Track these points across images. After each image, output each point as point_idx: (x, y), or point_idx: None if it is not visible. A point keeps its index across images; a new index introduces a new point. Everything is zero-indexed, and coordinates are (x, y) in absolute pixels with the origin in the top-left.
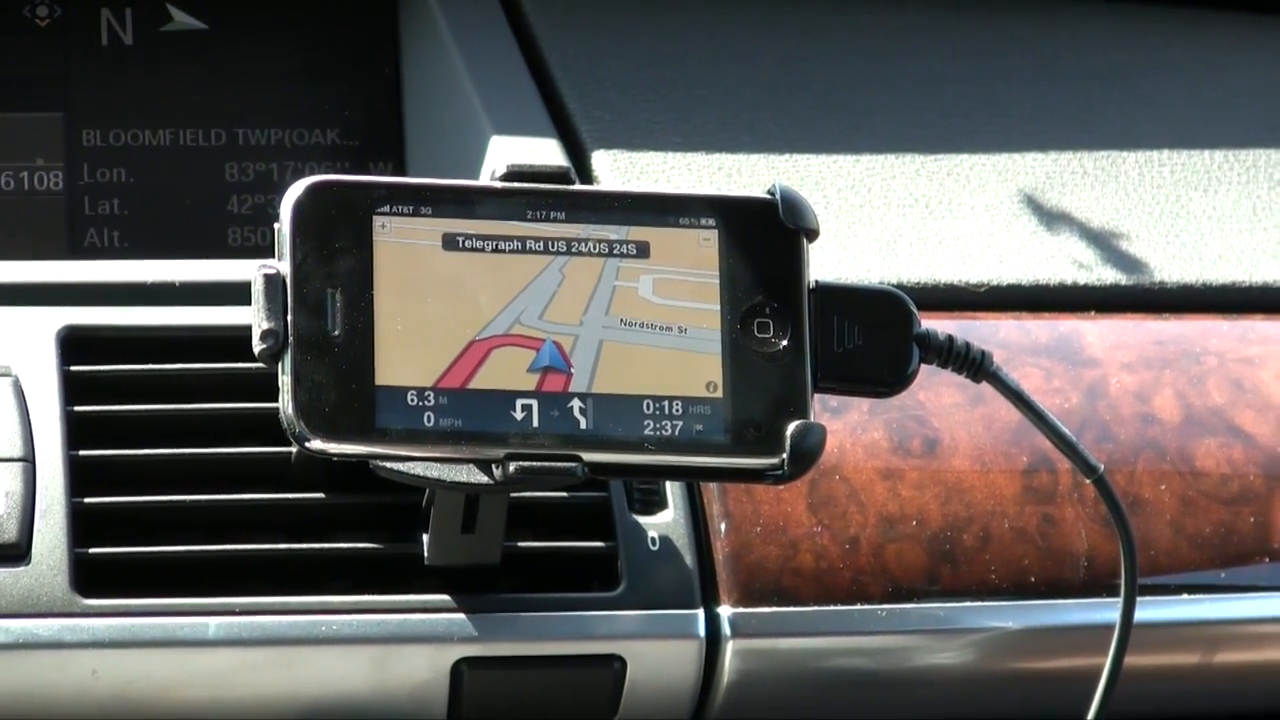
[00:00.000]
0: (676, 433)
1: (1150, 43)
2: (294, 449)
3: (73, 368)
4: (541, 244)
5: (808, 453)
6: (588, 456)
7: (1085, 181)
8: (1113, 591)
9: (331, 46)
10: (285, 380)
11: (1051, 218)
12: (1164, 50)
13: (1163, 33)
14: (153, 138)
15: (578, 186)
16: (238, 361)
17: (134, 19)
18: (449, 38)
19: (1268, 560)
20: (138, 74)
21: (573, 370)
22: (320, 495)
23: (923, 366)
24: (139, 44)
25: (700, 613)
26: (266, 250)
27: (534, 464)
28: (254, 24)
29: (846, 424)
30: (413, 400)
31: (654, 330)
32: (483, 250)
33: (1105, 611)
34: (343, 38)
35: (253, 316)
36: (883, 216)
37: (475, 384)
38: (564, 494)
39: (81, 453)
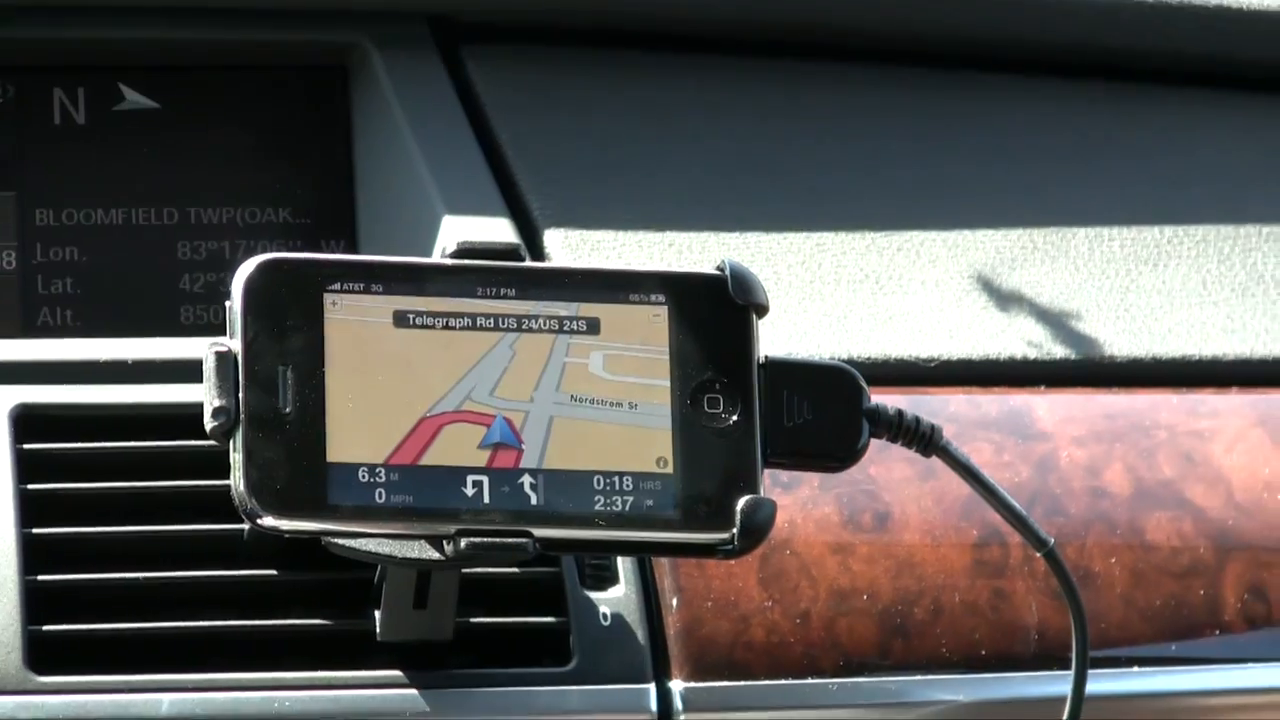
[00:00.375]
0: (627, 508)
1: (1103, 118)
2: (246, 526)
3: (25, 446)
4: (492, 320)
5: (758, 528)
6: (539, 532)
7: (1036, 257)
8: (1064, 664)
9: (283, 125)
10: (237, 458)
11: (1002, 293)
12: (1116, 126)
13: (1115, 109)
14: (105, 217)
15: (528, 264)
16: (190, 439)
17: (86, 98)
18: (400, 116)
19: (1218, 633)
20: (90, 153)
21: (524, 446)
22: (273, 572)
23: (873, 441)
24: (91, 123)
25: (652, 688)
26: (219, 328)
27: (485, 540)
28: (206, 103)
29: (797, 499)
30: (364, 477)
31: (604, 406)
32: (433, 327)
33: (1057, 684)
34: (295, 116)
35: (204, 394)
36: (833, 292)
37: (426, 460)
38: (515, 570)
39: (34, 531)
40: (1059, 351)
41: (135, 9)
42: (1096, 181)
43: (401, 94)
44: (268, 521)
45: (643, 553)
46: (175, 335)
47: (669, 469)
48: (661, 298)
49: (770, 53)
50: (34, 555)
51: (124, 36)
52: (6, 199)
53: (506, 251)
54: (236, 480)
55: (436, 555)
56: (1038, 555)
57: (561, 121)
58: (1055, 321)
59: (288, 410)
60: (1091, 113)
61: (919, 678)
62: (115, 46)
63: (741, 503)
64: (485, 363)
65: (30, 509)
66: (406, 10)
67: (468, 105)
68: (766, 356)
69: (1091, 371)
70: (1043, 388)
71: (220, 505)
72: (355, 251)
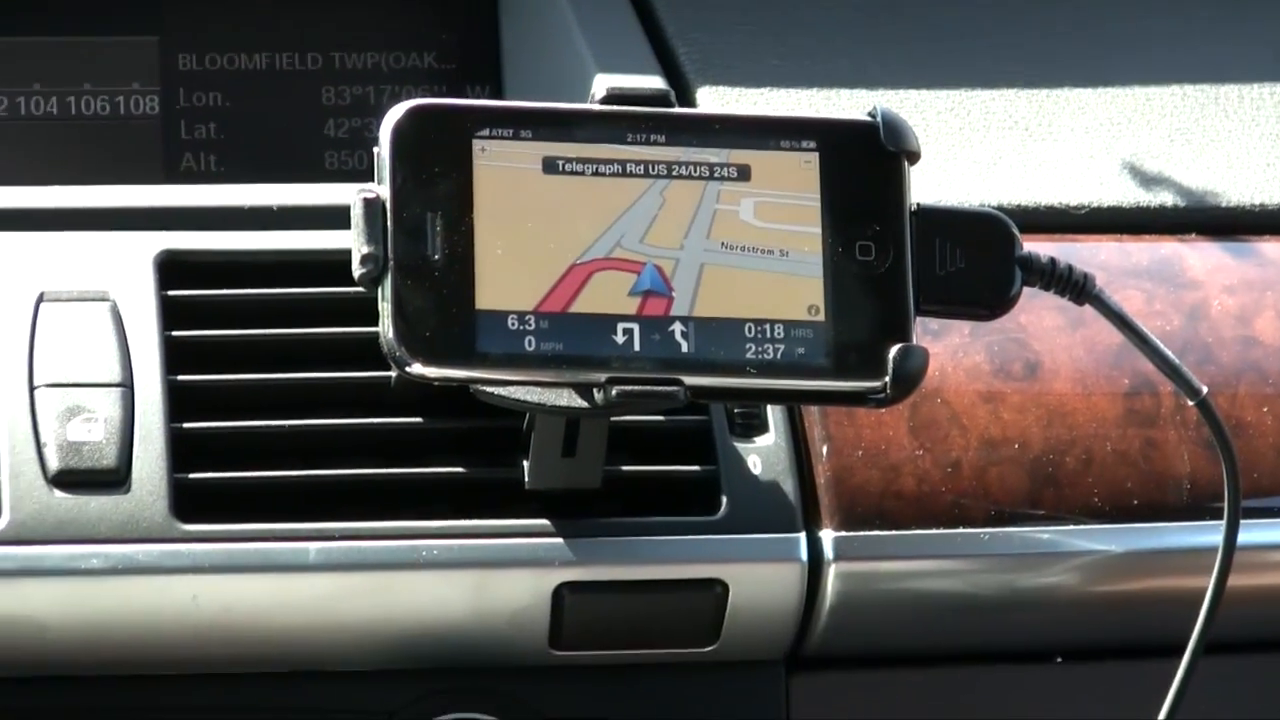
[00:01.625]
0: (778, 356)
1: None
2: (394, 373)
3: (170, 293)
4: (641, 167)
5: (910, 376)
6: (689, 380)
7: (1184, 103)
8: (1216, 515)
9: None
10: (385, 305)
11: (1152, 140)
12: None
13: None
14: (249, 61)
15: (677, 109)
16: (336, 285)
17: None
18: None
19: None
20: None
21: (674, 294)
22: (420, 419)
23: (1024, 289)
24: None
25: (802, 536)
26: (364, 175)
27: (635, 388)
28: None
29: (947, 347)
30: (513, 324)
31: (755, 254)
32: (583, 174)
33: (1208, 534)
34: None
35: (352, 241)
36: (982, 138)
37: (576, 308)
38: (664, 418)
39: (180, 378)
40: (1208, 198)
41: None
42: (1244, 28)
43: None
44: (416, 369)
45: (793, 401)
46: (320, 181)
47: (820, 316)
48: (812, 144)
49: None
50: (180, 402)
51: None
52: (149, 43)
53: (656, 97)
54: (385, 327)
55: (586, 403)
56: (1189, 404)
57: None
58: (1205, 169)
59: (436, 257)
60: None
61: (1070, 527)
62: None
63: (893, 351)
64: (635, 210)
65: (176, 356)
66: None
67: None
68: (918, 204)
69: (1241, 219)
70: (1193, 236)
71: (367, 352)
72: (501, 98)
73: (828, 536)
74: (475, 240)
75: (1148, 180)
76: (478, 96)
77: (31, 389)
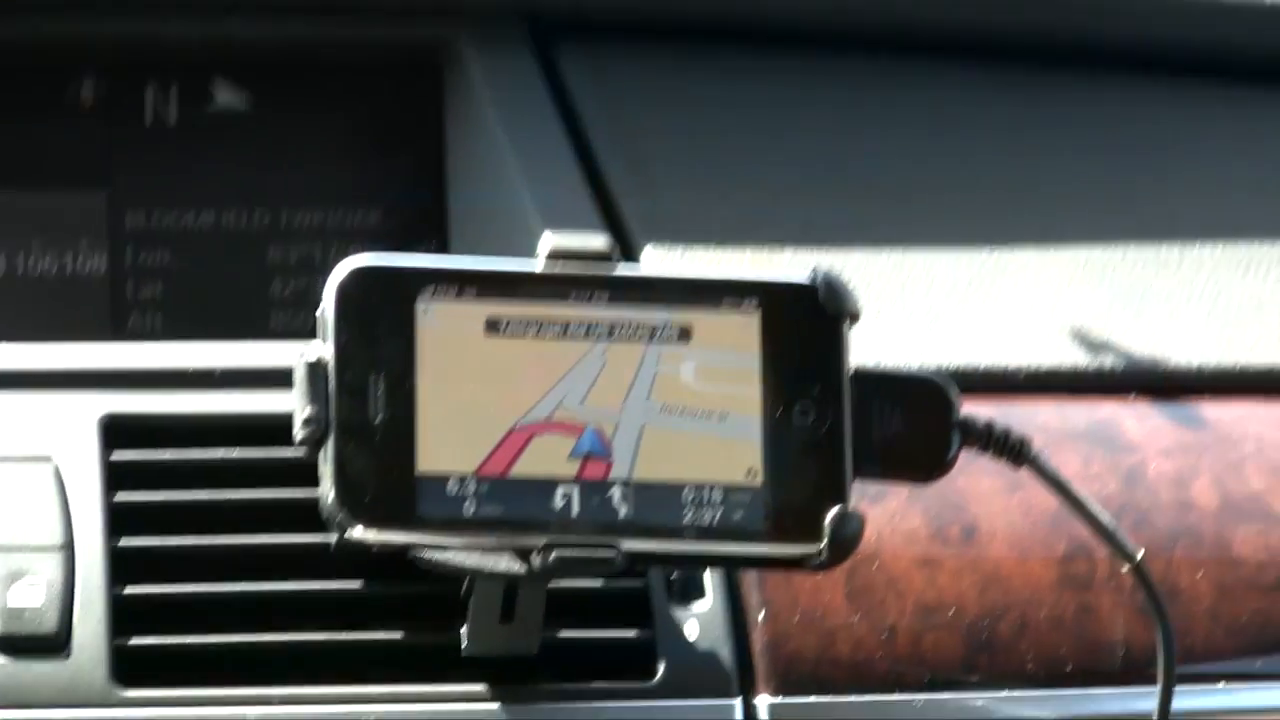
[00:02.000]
0: (716, 520)
1: (1192, 121)
2: (334, 537)
3: (114, 455)
4: (584, 328)
5: (847, 541)
6: (626, 545)
7: (1125, 263)
8: (1150, 680)
9: (375, 125)
10: (326, 468)
11: (1091, 301)
12: (1206, 129)
13: (1206, 110)
14: (196, 219)
15: (621, 270)
16: (279, 448)
17: (178, 97)
18: (493, 116)
19: None
20: (181, 154)
21: (613, 457)
22: (359, 584)
23: (962, 452)
24: (182, 123)
25: (738, 703)
26: (309, 333)
27: (573, 552)
28: (297, 103)
29: (885, 510)
30: (453, 489)
31: (694, 416)
32: (525, 335)
33: (1143, 700)
34: (387, 116)
35: (295, 403)
36: (923, 298)
37: (516, 471)
38: (601, 583)
39: (122, 542)
40: (1147, 360)
41: (228, 6)
42: (1186, 186)
43: (495, 93)
44: (356, 533)
45: (730, 566)
46: (265, 340)
47: (758, 480)
48: (754, 304)
49: (865, 50)
50: (121, 566)
51: (215, 34)
52: (98, 199)
53: (600, 254)
54: (325, 491)
55: (524, 567)
56: (1124, 569)
57: (654, 121)
58: (1144, 330)
59: (378, 420)
60: (1183, 114)
61: (1004, 694)
62: (206, 43)
63: (831, 515)
64: (576, 371)
65: (118, 518)
66: (499, 7)
67: (561, 104)
68: (857, 367)
69: (1180, 381)
70: (1132, 396)
71: (309, 515)
72: (447, 252)
73: (763, 703)
74: (417, 402)
75: (1087, 342)
76: (424, 251)
77: None
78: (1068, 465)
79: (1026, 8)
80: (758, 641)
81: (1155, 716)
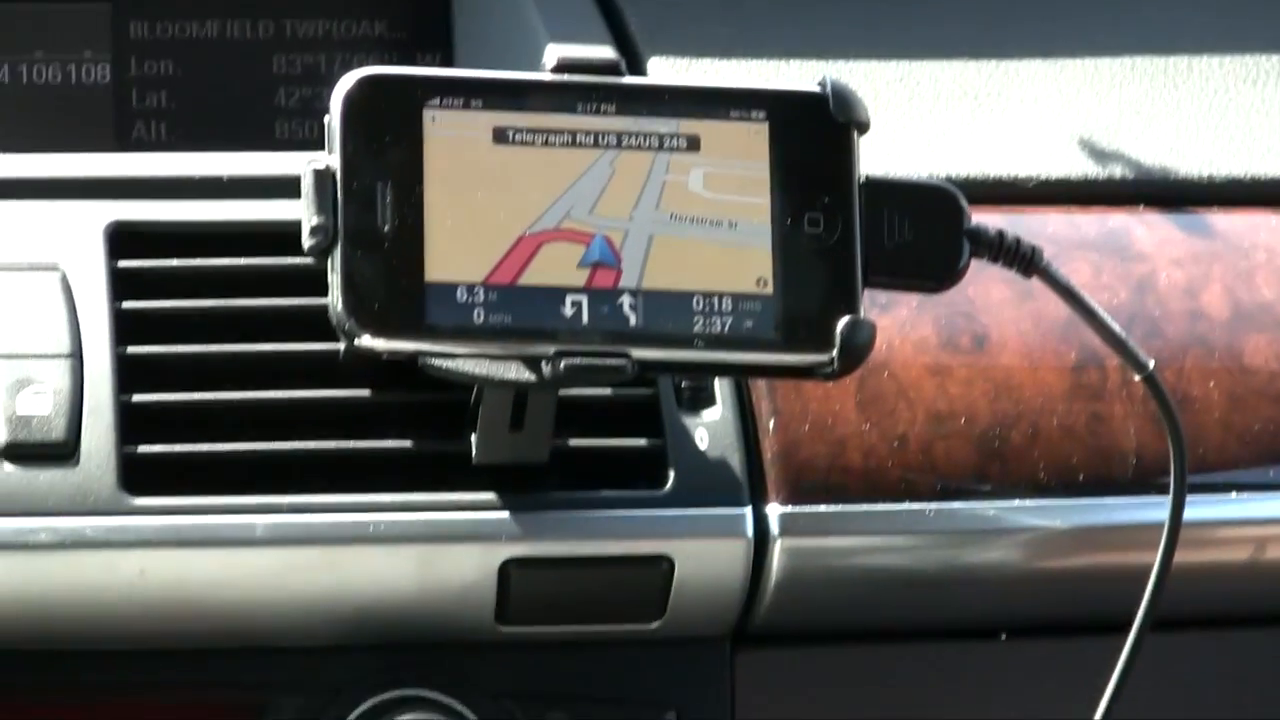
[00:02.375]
0: (726, 329)
1: None
2: (342, 345)
3: (120, 263)
4: (591, 137)
5: (858, 348)
6: (637, 353)
7: (1133, 75)
8: (1162, 489)
9: None
10: (334, 276)
11: (1100, 112)
12: None
13: None
14: (200, 29)
15: (628, 79)
16: (287, 257)
17: None
18: None
19: None
20: None
21: (622, 265)
22: (368, 392)
23: (972, 262)
24: None
25: (748, 511)
26: (315, 143)
27: (583, 360)
28: None
29: (895, 320)
30: (462, 296)
31: (704, 225)
32: (533, 144)
33: (1155, 509)
34: None
35: (302, 211)
36: (931, 109)
37: (525, 280)
38: (611, 392)
39: (129, 349)
40: (1157, 170)
41: None
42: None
43: None
44: (365, 341)
45: (741, 374)
46: (271, 150)
47: (768, 289)
48: (762, 114)
49: None
50: (129, 374)
51: None
52: (101, 10)
53: (606, 66)
54: (334, 299)
55: (534, 376)
56: (1136, 378)
57: None
58: (1153, 140)
59: (386, 228)
60: None
61: (1015, 503)
62: None
63: (841, 323)
64: (584, 180)
65: (125, 327)
66: None
67: None
68: (867, 175)
69: (1189, 191)
70: (1141, 207)
71: (316, 324)
72: (451, 66)
73: (774, 511)
74: (425, 210)
75: (1097, 152)
76: (429, 65)
77: None
78: (1078, 275)
79: None
80: (768, 450)
81: (1167, 525)
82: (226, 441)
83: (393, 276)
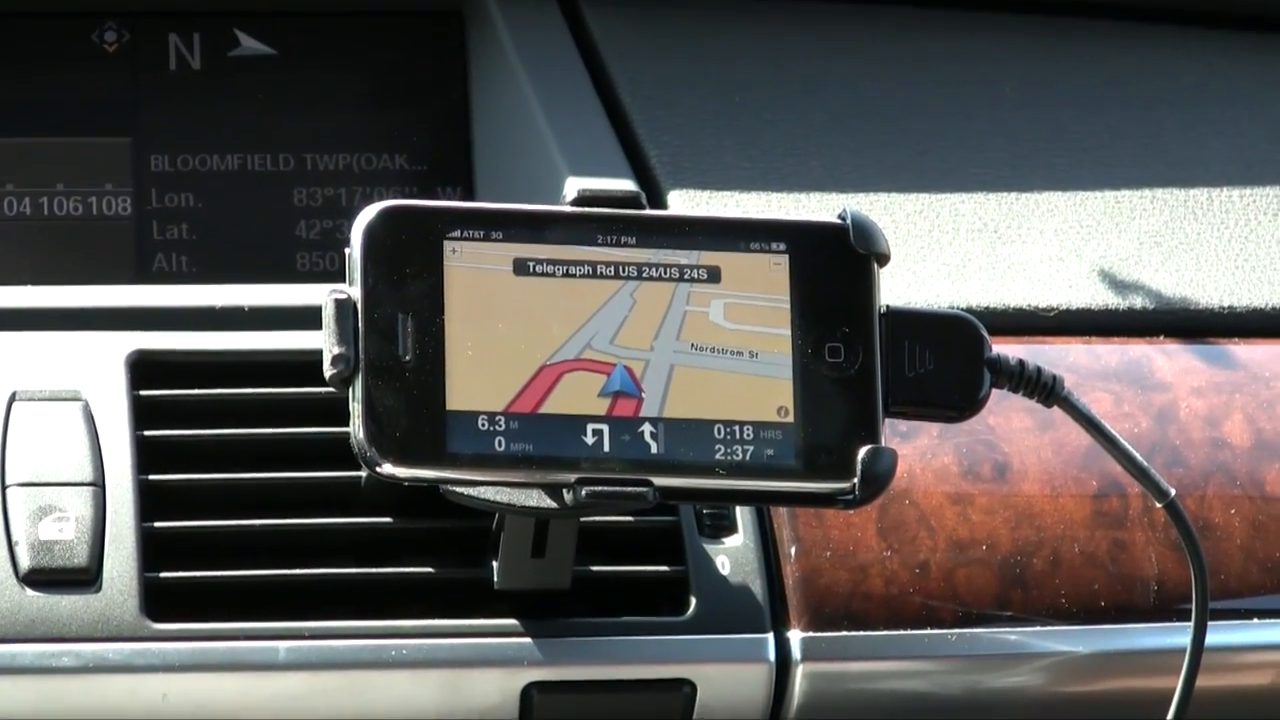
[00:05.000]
0: (748, 457)
1: (1217, 67)
2: (364, 473)
3: (142, 392)
4: (612, 269)
5: (879, 477)
6: (659, 481)
7: (1154, 207)
8: (1184, 616)
9: (400, 71)
10: (356, 405)
11: (1120, 243)
12: (1231, 75)
13: (1230, 57)
14: (221, 162)
15: (648, 211)
16: (307, 386)
17: (202, 44)
18: (517, 62)
19: None
20: (206, 99)
21: (644, 395)
22: (390, 519)
23: (993, 391)
24: (207, 69)
25: (770, 637)
26: (335, 275)
27: (605, 489)
28: (321, 49)
29: (916, 448)
30: (483, 425)
31: (725, 355)
32: (553, 275)
33: (1176, 636)
34: (411, 62)
35: (324, 341)
36: (951, 241)
37: (546, 409)
38: (633, 519)
39: (151, 477)
40: (1177, 301)
41: None
42: (1213, 130)
43: (518, 40)
44: (386, 469)
45: (762, 502)
46: (291, 282)
47: (790, 418)
48: (782, 246)
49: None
50: (151, 501)
51: None
52: (122, 144)
53: (627, 199)
54: (355, 428)
55: (555, 504)
56: (1157, 506)
57: (678, 69)
58: (1173, 271)
59: (407, 358)
60: (1208, 60)
61: (1037, 629)
62: None
63: (862, 452)
64: (605, 311)
65: (147, 455)
66: None
67: (584, 52)
68: (887, 305)
69: (1210, 322)
70: (1161, 338)
71: (337, 452)
72: (472, 199)
73: (795, 637)
74: (446, 341)
75: (1116, 283)
76: (449, 198)
77: (3, 488)
78: (1099, 404)
79: None
80: (790, 577)
81: (1189, 652)
82: (249, 568)
83: (414, 405)
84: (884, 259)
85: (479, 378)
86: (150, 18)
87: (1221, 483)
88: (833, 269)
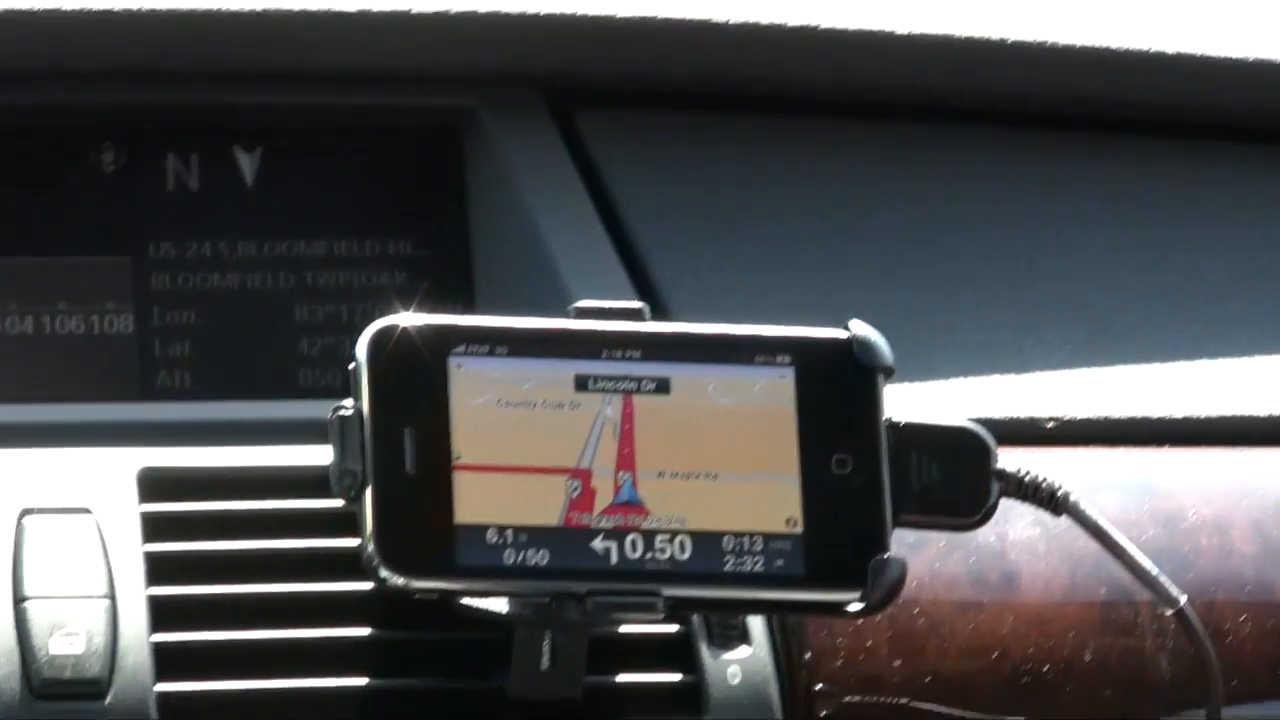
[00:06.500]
0: (757, 567)
1: (1218, 178)
2: (371, 585)
3: (151, 507)
4: (618, 382)
5: (889, 586)
6: (668, 592)
7: (1155, 317)
8: None
9: (398, 188)
10: (364, 519)
11: (1122, 353)
12: (1231, 186)
13: (1230, 169)
14: (221, 280)
15: (652, 326)
16: (313, 499)
17: (199, 164)
18: (515, 179)
19: None
20: (204, 218)
21: (652, 507)
22: (401, 631)
23: (1001, 500)
24: (204, 188)
25: None
26: (338, 392)
27: (614, 599)
28: (319, 167)
29: (925, 558)
30: (492, 538)
31: (733, 467)
32: (559, 388)
33: None
34: (409, 180)
35: (330, 457)
36: (952, 353)
37: (554, 521)
38: (644, 629)
39: (161, 591)
40: (1180, 411)
41: (247, 75)
42: (1213, 241)
43: (516, 157)
44: (396, 581)
45: (773, 611)
46: (294, 399)
47: (798, 529)
48: (788, 359)
49: (885, 115)
50: (161, 614)
51: (236, 101)
52: (123, 263)
53: (631, 312)
54: (364, 541)
55: (565, 615)
56: (1167, 613)
57: (677, 185)
58: (1176, 381)
59: (414, 471)
60: (1207, 173)
61: None
62: (227, 111)
63: (872, 562)
64: (612, 424)
65: (157, 568)
66: (518, 75)
67: (582, 168)
68: (892, 418)
69: (1215, 429)
70: (1166, 445)
71: (344, 564)
72: (473, 314)
73: None
74: (453, 454)
75: (1119, 393)
76: (451, 313)
77: (15, 602)
78: (1106, 512)
79: (1044, 74)
80: (801, 686)
81: None
82: (259, 679)
83: (422, 519)
84: (889, 372)
85: (486, 491)
86: (148, 137)
87: (1231, 589)
88: (838, 382)
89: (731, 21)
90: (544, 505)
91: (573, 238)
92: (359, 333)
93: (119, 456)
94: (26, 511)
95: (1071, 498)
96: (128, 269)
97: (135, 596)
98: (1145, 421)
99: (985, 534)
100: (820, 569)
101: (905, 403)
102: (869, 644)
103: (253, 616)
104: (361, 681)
